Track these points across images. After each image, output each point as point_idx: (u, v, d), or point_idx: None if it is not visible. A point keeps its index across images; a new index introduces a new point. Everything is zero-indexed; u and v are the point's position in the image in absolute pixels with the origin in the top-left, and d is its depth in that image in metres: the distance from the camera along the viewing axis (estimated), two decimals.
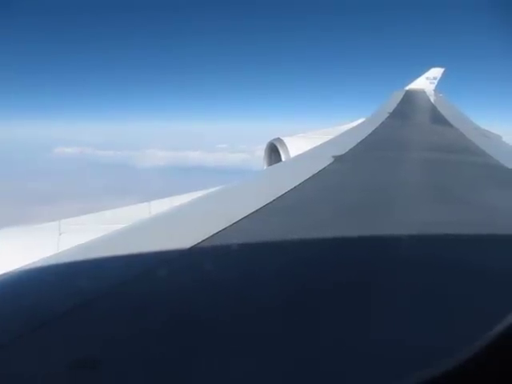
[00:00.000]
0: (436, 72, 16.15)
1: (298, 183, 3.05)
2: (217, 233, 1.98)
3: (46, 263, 1.72)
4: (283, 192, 2.78)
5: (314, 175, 3.36)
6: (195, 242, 1.86)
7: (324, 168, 3.64)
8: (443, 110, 11.02)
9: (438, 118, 9.69)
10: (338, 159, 4.08)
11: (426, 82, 15.87)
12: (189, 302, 1.42)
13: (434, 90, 15.27)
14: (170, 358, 1.10)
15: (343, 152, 4.51)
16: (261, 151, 8.24)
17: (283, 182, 3.24)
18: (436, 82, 15.95)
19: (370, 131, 6.52)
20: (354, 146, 5.03)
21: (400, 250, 1.96)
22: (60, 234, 3.41)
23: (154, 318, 1.30)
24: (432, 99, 13.72)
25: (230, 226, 2.08)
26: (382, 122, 7.86)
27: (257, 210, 2.36)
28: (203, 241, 1.89)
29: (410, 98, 13.33)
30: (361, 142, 5.46)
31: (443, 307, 1.40)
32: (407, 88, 15.51)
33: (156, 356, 1.10)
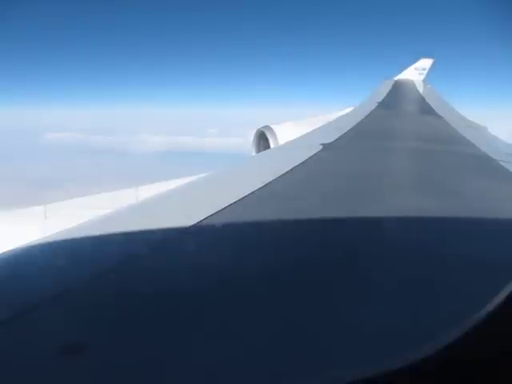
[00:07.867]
0: (425, 63, 16.19)
1: (285, 170, 3.06)
2: (204, 219, 1.99)
3: (31, 248, 1.71)
4: (271, 179, 2.79)
5: (302, 162, 3.38)
6: (183, 228, 1.87)
7: (312, 155, 3.67)
8: (432, 102, 11.11)
9: (426, 111, 9.78)
10: (326, 147, 4.11)
11: (415, 73, 15.90)
12: (175, 288, 1.42)
13: (423, 81, 15.32)
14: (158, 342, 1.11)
15: (331, 140, 4.55)
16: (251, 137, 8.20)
17: (271, 168, 3.25)
18: (425, 72, 16.01)
19: (357, 121, 6.60)
20: (343, 135, 5.09)
21: (385, 235, 2.01)
22: (46, 219, 3.39)
23: (140, 303, 1.31)
24: (421, 91, 13.78)
25: (217, 212, 2.09)
26: (370, 113, 7.92)
27: (244, 197, 2.37)
28: (191, 226, 1.90)
29: (398, 90, 13.37)
30: (349, 130, 5.52)
31: (426, 292, 1.44)
32: (396, 78, 15.54)
33: (143, 340, 1.11)
